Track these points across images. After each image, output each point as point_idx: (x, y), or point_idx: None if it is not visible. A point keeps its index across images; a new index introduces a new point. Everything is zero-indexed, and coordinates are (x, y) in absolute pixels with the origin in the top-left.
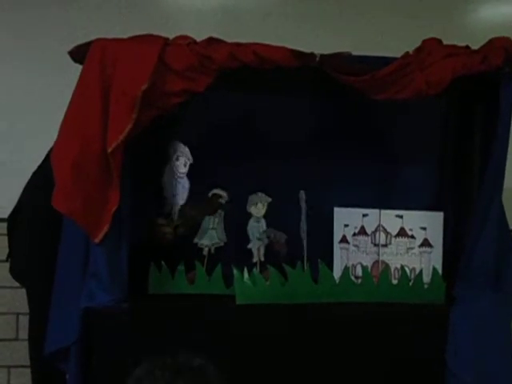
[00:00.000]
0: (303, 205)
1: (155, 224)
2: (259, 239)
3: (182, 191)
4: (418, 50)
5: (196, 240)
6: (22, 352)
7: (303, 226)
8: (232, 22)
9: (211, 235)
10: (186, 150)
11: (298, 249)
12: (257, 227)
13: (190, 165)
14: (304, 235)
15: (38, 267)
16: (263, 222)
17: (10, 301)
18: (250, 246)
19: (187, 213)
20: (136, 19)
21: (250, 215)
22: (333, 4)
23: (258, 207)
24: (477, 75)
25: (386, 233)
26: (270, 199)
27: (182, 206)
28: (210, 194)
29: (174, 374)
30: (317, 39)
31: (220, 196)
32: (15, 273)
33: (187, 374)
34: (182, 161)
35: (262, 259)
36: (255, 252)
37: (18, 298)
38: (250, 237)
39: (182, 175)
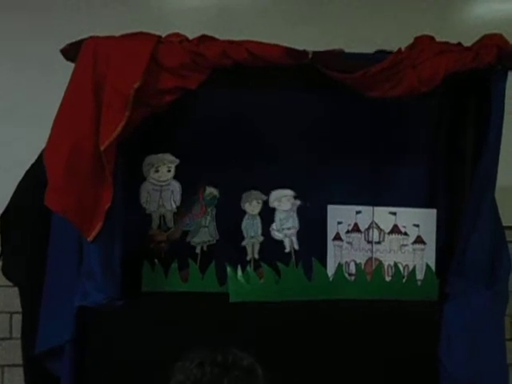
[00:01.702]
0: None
1: (148, 236)
2: (253, 237)
3: (171, 196)
4: (411, 46)
5: (188, 238)
6: (15, 351)
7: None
8: (225, 20)
9: (203, 233)
10: (166, 156)
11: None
12: (251, 225)
13: (183, 164)
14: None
15: (30, 266)
16: (258, 220)
17: (3, 300)
18: (244, 243)
19: (179, 220)
20: (128, 17)
21: (243, 213)
22: (326, 2)
23: (253, 205)
24: (469, 72)
25: (380, 230)
26: (264, 197)
27: (175, 213)
28: (199, 192)
29: (223, 371)
30: (309, 36)
31: (210, 193)
32: (7, 272)
33: (235, 372)
34: (164, 169)
35: (256, 257)
36: (249, 250)
37: (12, 296)
38: (245, 234)
39: (166, 182)
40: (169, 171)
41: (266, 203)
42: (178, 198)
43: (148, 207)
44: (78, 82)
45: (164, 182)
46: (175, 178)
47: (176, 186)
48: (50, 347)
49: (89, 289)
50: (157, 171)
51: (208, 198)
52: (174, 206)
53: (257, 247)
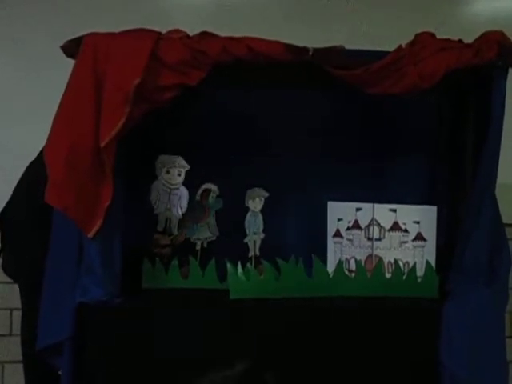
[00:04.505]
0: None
1: (153, 240)
2: (255, 233)
3: (178, 202)
4: (412, 43)
5: (188, 235)
6: (15, 347)
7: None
8: (226, 16)
9: (203, 229)
10: (178, 159)
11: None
12: (253, 222)
13: (186, 161)
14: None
15: (30, 263)
16: (260, 217)
17: (3, 296)
18: (246, 240)
19: (183, 225)
20: (129, 13)
21: (246, 209)
22: None
23: (256, 202)
24: (470, 69)
25: (380, 227)
26: (267, 194)
27: (181, 218)
28: (202, 196)
29: None
30: (309, 33)
31: (210, 191)
32: (7, 269)
33: None
34: (175, 172)
35: (258, 254)
36: (251, 246)
37: (12, 293)
38: (247, 231)
39: (175, 186)
40: (179, 175)
41: (267, 200)
42: (184, 204)
43: (156, 207)
44: (78, 79)
45: (173, 185)
46: None
47: (184, 192)
48: (50, 344)
49: (89, 285)
50: (168, 172)
51: (212, 201)
52: (180, 213)
53: (258, 244)
